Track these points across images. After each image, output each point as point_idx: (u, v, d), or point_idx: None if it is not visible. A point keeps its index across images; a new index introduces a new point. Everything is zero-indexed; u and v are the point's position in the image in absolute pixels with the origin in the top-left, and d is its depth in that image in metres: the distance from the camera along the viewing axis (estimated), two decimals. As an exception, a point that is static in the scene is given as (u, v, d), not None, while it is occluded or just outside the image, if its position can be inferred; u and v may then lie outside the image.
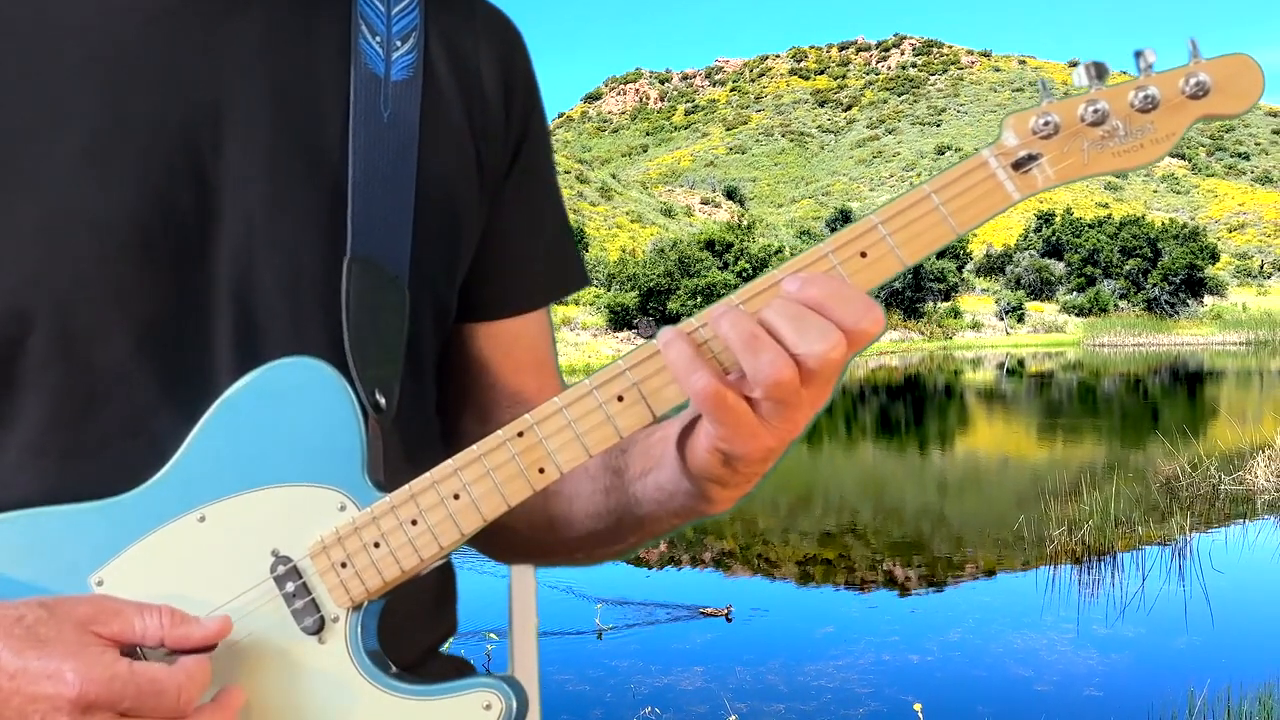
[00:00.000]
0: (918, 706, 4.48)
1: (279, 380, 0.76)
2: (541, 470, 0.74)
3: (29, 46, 0.76)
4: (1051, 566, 9.21)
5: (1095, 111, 0.68)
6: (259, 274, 0.78)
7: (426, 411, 0.90)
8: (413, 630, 0.87)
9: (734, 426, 0.69)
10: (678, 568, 9.91)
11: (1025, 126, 0.69)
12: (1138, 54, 0.67)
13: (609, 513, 0.86)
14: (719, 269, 48.74)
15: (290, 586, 0.75)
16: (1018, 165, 0.69)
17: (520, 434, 0.74)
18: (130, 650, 0.69)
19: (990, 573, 9.43)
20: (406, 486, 0.75)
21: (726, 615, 7.89)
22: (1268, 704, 5.08)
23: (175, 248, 0.77)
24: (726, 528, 11.15)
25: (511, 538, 0.92)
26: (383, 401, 0.79)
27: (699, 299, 46.30)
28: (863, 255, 0.71)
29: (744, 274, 48.78)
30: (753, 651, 7.17)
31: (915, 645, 7.26)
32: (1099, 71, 0.68)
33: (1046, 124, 0.69)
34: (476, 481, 0.74)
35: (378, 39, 0.85)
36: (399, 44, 0.86)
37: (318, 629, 0.74)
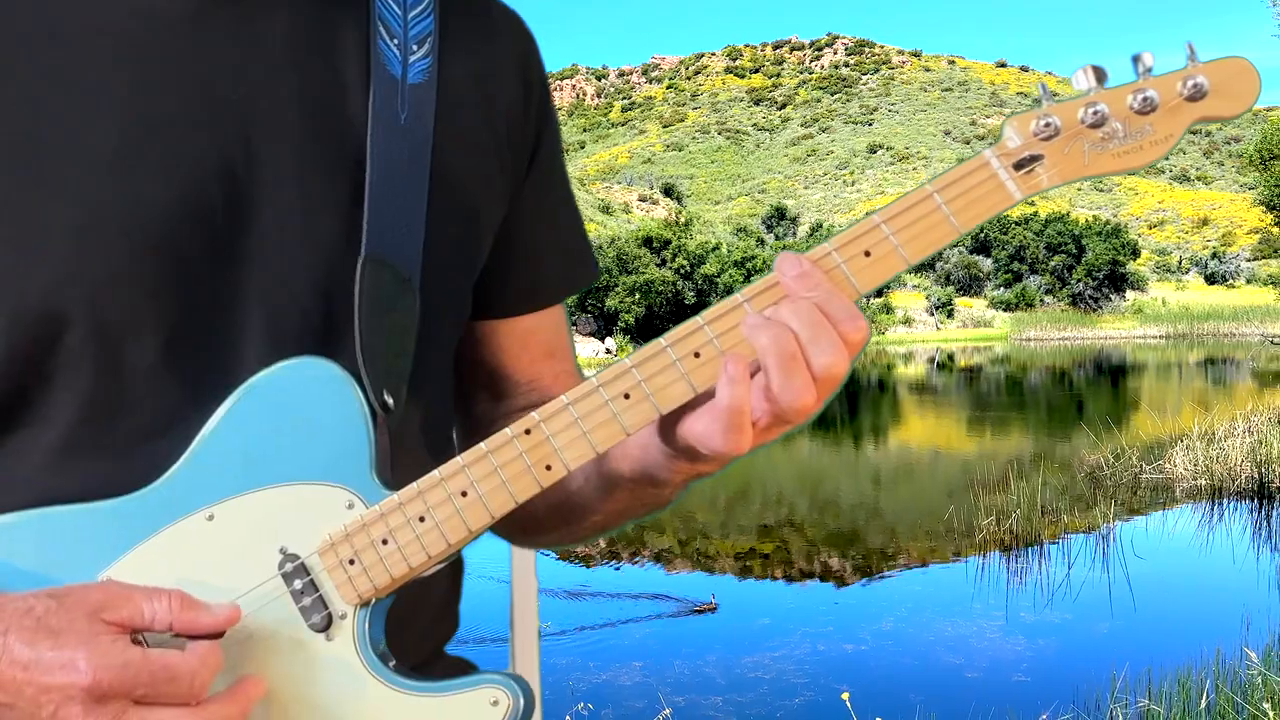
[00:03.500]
0: (845, 695, 4.55)
1: (287, 380, 0.76)
2: (549, 467, 0.74)
3: (60, 49, 0.75)
4: (981, 556, 9.43)
5: (1095, 113, 0.69)
6: (289, 273, 0.78)
7: (436, 411, 0.90)
8: (420, 630, 0.87)
9: (732, 436, 0.72)
10: (617, 564, 9.94)
11: (1026, 128, 0.70)
12: (1135, 58, 0.69)
13: (586, 480, 0.87)
14: (657, 265, 48.84)
15: (298, 584, 0.74)
16: (1019, 165, 0.70)
17: (527, 431, 0.74)
18: (139, 636, 0.68)
19: (922, 563, 9.62)
20: (414, 484, 0.75)
21: (712, 608, 8.00)
22: (1186, 684, 5.27)
23: (205, 247, 0.76)
24: (666, 523, 11.20)
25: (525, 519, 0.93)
26: (391, 401, 0.79)
27: (637, 295, 46.38)
28: (867, 254, 0.72)
29: (681, 270, 48.96)
30: (691, 645, 7.23)
31: (849, 635, 7.39)
32: (1099, 75, 0.70)
33: (1047, 125, 0.70)
34: (484, 479, 0.75)
35: (395, 41, 0.85)
36: (415, 48, 0.86)
37: (325, 626, 0.74)
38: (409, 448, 0.83)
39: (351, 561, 0.75)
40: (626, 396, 0.73)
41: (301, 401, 0.76)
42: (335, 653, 0.74)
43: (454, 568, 0.92)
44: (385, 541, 0.75)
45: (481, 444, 0.75)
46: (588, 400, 0.74)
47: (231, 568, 0.74)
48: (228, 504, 0.75)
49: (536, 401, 0.77)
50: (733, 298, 0.73)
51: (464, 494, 0.75)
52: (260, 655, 0.73)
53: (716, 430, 0.72)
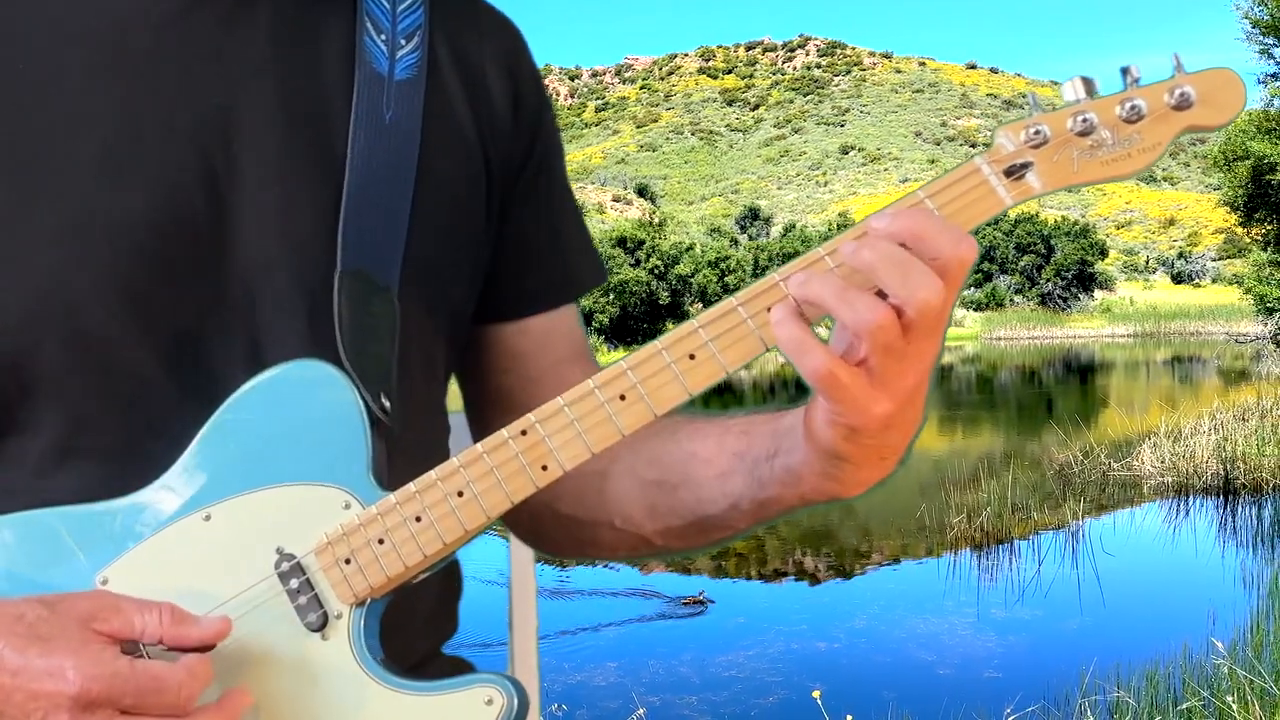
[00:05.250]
0: (816, 693, 4.58)
1: (284, 382, 0.76)
2: (545, 467, 0.75)
3: (44, 56, 0.75)
4: (952, 553, 9.51)
5: (1083, 122, 0.71)
6: (273, 278, 0.78)
7: (429, 415, 0.90)
8: (416, 630, 0.87)
9: (850, 402, 0.68)
10: (592, 564, 9.94)
11: (1017, 136, 0.72)
12: (1124, 69, 0.71)
13: (724, 497, 0.83)
14: (631, 266, 48.86)
15: (294, 583, 0.75)
16: (1010, 172, 0.72)
17: (524, 432, 0.75)
18: (131, 647, 0.68)
19: (895, 560, 9.69)
20: (411, 484, 0.75)
21: (702, 600, 8.06)
22: (1154, 679, 5.34)
23: (190, 252, 0.76)
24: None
25: (606, 530, 0.90)
26: (387, 404, 0.79)
27: (611, 296, 46.36)
28: None
29: (655, 270, 49.00)
30: (666, 645, 7.24)
31: (823, 633, 7.42)
32: (1088, 86, 0.71)
33: (1037, 133, 0.71)
34: (480, 479, 0.75)
35: (383, 37, 0.84)
36: (403, 42, 0.85)
37: (321, 625, 0.74)
38: (404, 450, 0.83)
39: (347, 561, 0.75)
40: (622, 398, 0.74)
41: (300, 403, 0.76)
42: (330, 652, 0.74)
43: (449, 568, 0.92)
44: (381, 541, 0.75)
45: (477, 445, 0.75)
46: (584, 402, 0.74)
47: (228, 567, 0.75)
48: (225, 504, 0.75)
49: None
50: (727, 301, 0.73)
51: (460, 494, 0.75)
52: (256, 655, 0.74)
53: (816, 383, 0.68)
